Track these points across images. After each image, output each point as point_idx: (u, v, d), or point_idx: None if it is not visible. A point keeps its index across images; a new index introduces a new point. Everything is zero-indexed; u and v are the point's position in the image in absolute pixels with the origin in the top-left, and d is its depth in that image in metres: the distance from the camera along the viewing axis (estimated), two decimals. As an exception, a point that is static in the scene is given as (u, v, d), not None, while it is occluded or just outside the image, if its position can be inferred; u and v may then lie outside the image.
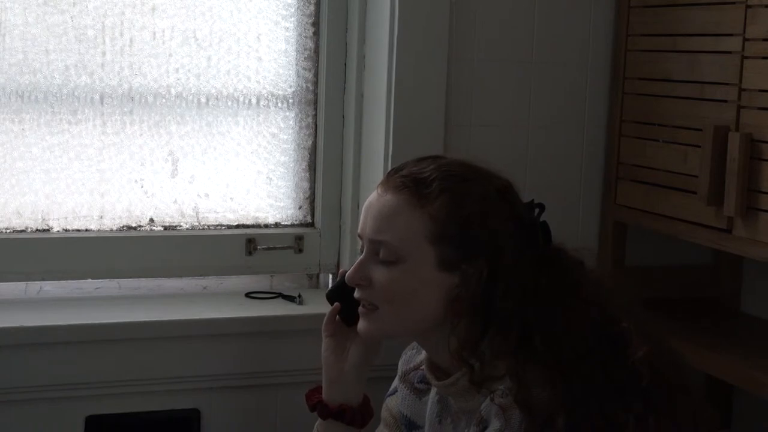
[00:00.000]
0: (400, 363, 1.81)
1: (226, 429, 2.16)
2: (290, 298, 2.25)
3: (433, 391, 1.72)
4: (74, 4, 2.14)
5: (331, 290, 1.79)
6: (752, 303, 2.41)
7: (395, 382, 1.81)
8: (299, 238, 2.32)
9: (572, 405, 1.50)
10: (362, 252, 1.65)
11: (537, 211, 1.64)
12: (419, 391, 1.76)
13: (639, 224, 2.27)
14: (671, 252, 2.38)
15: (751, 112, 1.94)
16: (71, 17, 2.14)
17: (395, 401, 1.80)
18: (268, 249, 2.29)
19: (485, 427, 1.53)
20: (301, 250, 2.32)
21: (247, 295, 2.28)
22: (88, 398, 2.06)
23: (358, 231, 1.67)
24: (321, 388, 1.78)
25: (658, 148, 2.20)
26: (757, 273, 2.38)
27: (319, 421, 1.78)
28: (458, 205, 1.58)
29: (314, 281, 2.40)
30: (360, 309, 1.66)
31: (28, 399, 2.02)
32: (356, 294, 1.66)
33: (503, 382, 1.54)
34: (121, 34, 2.18)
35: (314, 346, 2.18)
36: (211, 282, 2.32)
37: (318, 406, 1.76)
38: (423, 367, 1.73)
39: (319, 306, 2.23)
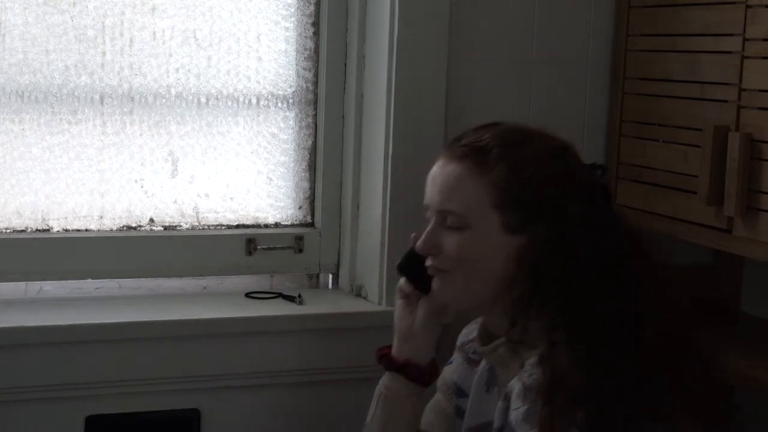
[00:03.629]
0: (460, 336, 1.86)
1: (226, 429, 2.16)
2: (290, 298, 2.25)
3: (484, 360, 1.75)
4: (74, 4, 2.14)
5: (401, 262, 1.80)
6: (752, 303, 2.41)
7: (454, 354, 1.85)
8: (299, 238, 2.32)
9: (598, 400, 1.50)
10: (430, 222, 1.69)
11: (599, 172, 1.68)
12: (472, 362, 1.81)
13: (639, 224, 2.26)
14: (671, 252, 2.38)
15: (751, 112, 1.94)
16: (71, 17, 2.14)
17: (450, 369, 1.85)
18: (268, 249, 2.29)
19: (508, 406, 1.55)
20: (301, 250, 2.32)
21: (247, 295, 2.28)
22: (88, 398, 2.06)
23: (424, 202, 1.71)
24: (391, 346, 1.82)
25: (658, 148, 2.20)
26: (757, 273, 2.38)
27: (384, 375, 1.81)
28: (517, 170, 1.62)
29: (314, 281, 2.40)
30: (432, 272, 1.70)
31: (28, 399, 2.02)
32: (427, 263, 1.70)
33: (532, 355, 1.56)
34: (121, 34, 2.18)
35: (314, 346, 2.19)
36: (211, 282, 2.32)
37: (384, 358, 1.81)
38: None
39: (319, 306, 2.23)
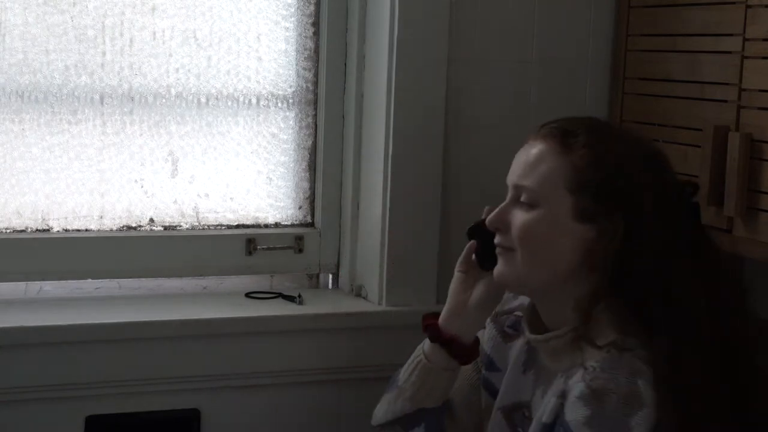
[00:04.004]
0: None
1: (226, 429, 2.16)
2: (290, 298, 2.25)
3: (522, 340, 1.75)
4: (74, 4, 2.14)
5: (471, 227, 1.80)
6: (752, 303, 2.41)
7: (487, 322, 1.84)
8: (299, 238, 2.32)
9: (674, 413, 1.51)
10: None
11: (691, 189, 1.69)
12: (507, 336, 1.81)
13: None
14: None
15: (751, 112, 1.94)
16: (71, 17, 2.14)
17: (482, 339, 1.84)
18: (268, 249, 2.29)
19: (563, 403, 1.55)
20: (301, 250, 2.32)
21: (247, 295, 2.28)
22: (88, 398, 2.06)
23: (507, 180, 1.70)
24: (438, 314, 1.81)
25: (658, 148, 2.19)
26: (757, 273, 2.38)
27: (424, 344, 1.80)
28: (600, 159, 1.62)
29: (314, 281, 2.40)
30: (497, 250, 1.69)
31: (28, 399, 2.02)
32: (495, 240, 1.69)
33: (599, 354, 1.56)
34: (121, 34, 2.18)
35: (314, 346, 2.19)
36: (211, 282, 2.32)
37: (430, 328, 1.79)
38: (518, 312, 1.79)
39: (319, 306, 2.23)
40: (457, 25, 2.23)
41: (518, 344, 1.78)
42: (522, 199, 1.65)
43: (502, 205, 1.69)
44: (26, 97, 2.13)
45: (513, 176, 1.68)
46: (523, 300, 1.79)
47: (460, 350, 1.78)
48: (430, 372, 1.78)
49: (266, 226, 2.33)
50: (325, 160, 2.33)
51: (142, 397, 2.09)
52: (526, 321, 1.72)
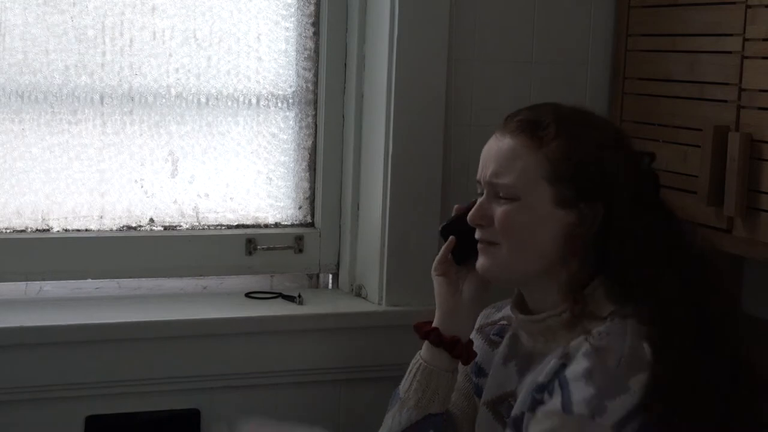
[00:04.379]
0: (478, 319, 1.86)
1: (226, 429, 2.16)
2: (290, 298, 2.25)
3: (507, 337, 1.77)
4: (74, 4, 2.14)
5: (445, 225, 1.81)
6: (752, 303, 2.41)
7: (473, 335, 1.84)
8: (299, 238, 2.32)
9: (679, 368, 1.54)
10: (481, 195, 1.70)
11: (648, 160, 1.70)
12: (493, 343, 1.82)
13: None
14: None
15: (751, 112, 1.94)
16: (71, 17, 2.14)
17: None
18: (268, 249, 2.29)
19: (564, 364, 1.57)
20: (301, 250, 2.32)
21: (247, 295, 2.28)
22: (88, 398, 2.06)
23: (477, 177, 1.72)
24: (430, 322, 1.80)
25: (658, 148, 2.19)
26: (757, 273, 2.38)
27: (422, 352, 1.79)
28: (574, 147, 1.64)
29: (314, 281, 2.40)
30: (479, 246, 1.70)
31: (28, 399, 2.02)
32: (477, 235, 1.70)
33: (603, 323, 1.59)
34: (121, 34, 2.18)
35: (314, 346, 2.19)
36: (211, 282, 2.32)
37: (432, 333, 1.78)
38: (502, 322, 1.81)
39: (319, 306, 2.23)
40: (457, 25, 2.24)
41: (503, 343, 1.79)
42: (501, 194, 1.66)
43: (481, 201, 1.70)
44: (26, 97, 2.14)
45: (488, 173, 1.68)
46: (506, 312, 1.81)
47: (463, 349, 1.78)
48: (432, 374, 1.78)
49: (266, 226, 2.33)
50: (325, 160, 2.33)
51: (142, 397, 2.09)
52: (516, 307, 1.73)
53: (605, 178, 1.64)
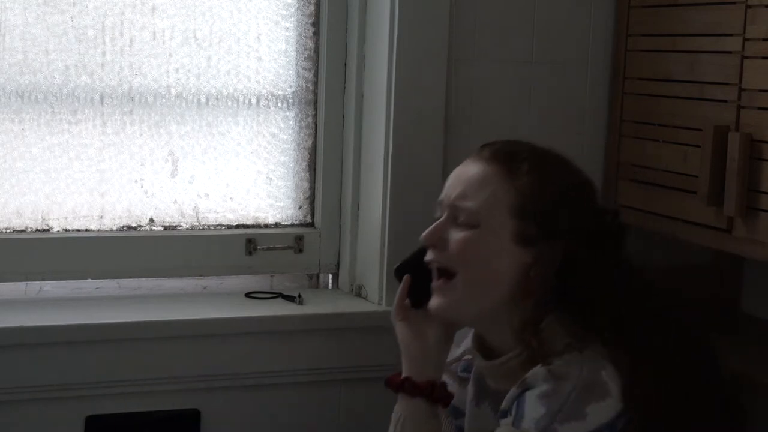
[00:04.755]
0: None
1: (226, 429, 2.16)
2: (290, 298, 2.25)
3: (472, 377, 1.75)
4: (74, 4, 2.14)
5: (399, 266, 1.77)
6: (752, 303, 2.41)
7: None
8: (299, 238, 2.32)
9: (642, 393, 1.54)
10: (441, 217, 1.68)
11: (609, 217, 1.70)
12: (463, 380, 1.79)
13: (639, 224, 2.27)
14: (671, 252, 2.38)
15: (751, 112, 1.94)
16: (71, 17, 2.14)
17: None
18: (268, 249, 2.29)
19: (525, 390, 1.55)
20: (301, 250, 2.32)
21: (247, 295, 2.28)
22: (88, 398, 2.06)
23: (439, 198, 1.69)
24: (399, 373, 1.74)
25: (658, 148, 2.20)
26: (757, 273, 2.38)
27: (399, 404, 1.72)
28: (546, 186, 1.63)
29: (314, 281, 2.40)
30: (434, 284, 1.67)
31: (28, 399, 2.02)
32: (429, 256, 1.68)
33: (561, 357, 1.57)
34: (121, 34, 2.18)
35: (314, 346, 2.19)
36: (211, 282, 2.32)
37: (405, 383, 1.70)
38: (466, 357, 1.77)
39: (319, 306, 2.23)
40: (457, 25, 2.23)
41: (469, 384, 1.77)
42: (460, 220, 1.64)
43: (439, 223, 1.67)
44: (26, 97, 2.14)
45: (454, 195, 1.66)
46: (467, 343, 1.78)
47: (441, 392, 1.72)
48: (418, 424, 1.69)
49: (266, 226, 2.33)
50: (325, 160, 2.33)
51: (142, 397, 2.09)
52: (476, 349, 1.71)
53: (570, 221, 1.62)
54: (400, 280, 1.77)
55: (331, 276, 2.38)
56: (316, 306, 2.23)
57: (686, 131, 2.10)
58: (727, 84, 2.00)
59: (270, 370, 2.16)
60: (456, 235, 1.64)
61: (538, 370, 1.56)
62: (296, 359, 2.17)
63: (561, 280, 1.60)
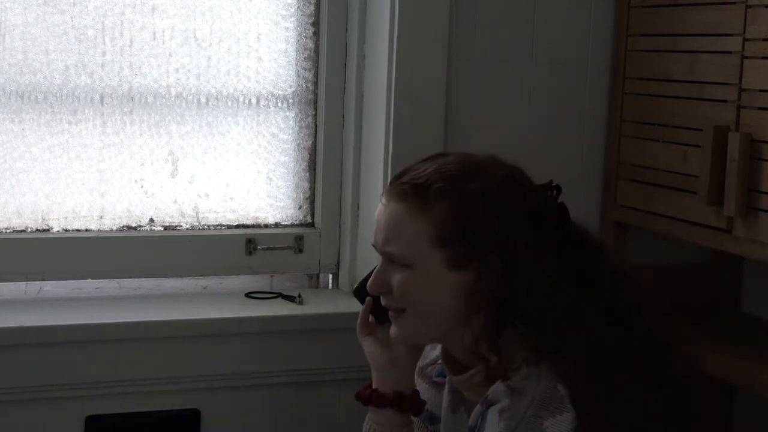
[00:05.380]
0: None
1: (226, 429, 2.16)
2: (290, 298, 2.25)
3: (447, 383, 1.74)
4: (74, 4, 2.14)
5: (357, 287, 1.78)
6: (752, 303, 2.41)
7: (416, 380, 1.80)
8: (299, 238, 2.32)
9: (596, 405, 1.51)
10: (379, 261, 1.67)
11: (554, 192, 1.65)
12: (438, 385, 1.78)
13: (639, 224, 2.27)
14: (671, 252, 2.38)
15: (751, 112, 1.94)
16: (71, 17, 2.14)
17: None
18: (268, 249, 2.29)
19: (490, 406, 1.55)
20: (301, 250, 2.32)
21: (247, 295, 2.28)
22: (88, 398, 2.06)
23: (372, 242, 1.68)
24: (369, 386, 1.75)
25: (658, 148, 2.20)
26: (757, 273, 2.38)
27: (369, 415, 1.74)
28: (458, 206, 1.59)
29: (314, 281, 2.40)
30: (390, 314, 1.68)
31: (28, 399, 2.02)
32: (382, 302, 1.68)
33: (519, 372, 1.55)
34: (121, 34, 2.18)
35: (314, 346, 2.19)
36: (211, 282, 2.32)
37: (374, 395, 1.72)
38: (440, 361, 1.75)
39: (319, 306, 2.23)
40: (457, 25, 2.23)
41: (445, 390, 1.76)
42: (395, 261, 1.63)
43: (378, 269, 1.66)
44: (26, 97, 2.14)
45: (379, 241, 1.65)
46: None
47: (410, 402, 1.72)
48: None
49: (266, 226, 2.33)
50: (325, 160, 2.33)
51: (142, 397, 2.09)
52: (445, 364, 1.71)
53: (496, 231, 1.58)
54: (361, 301, 1.77)
55: (331, 276, 2.39)
56: (316, 306, 2.23)
57: (686, 131, 2.10)
58: (727, 84, 2.00)
59: (270, 370, 2.17)
60: (396, 278, 1.63)
61: (498, 386, 1.55)
62: (296, 359, 2.17)
63: (509, 289, 1.58)
